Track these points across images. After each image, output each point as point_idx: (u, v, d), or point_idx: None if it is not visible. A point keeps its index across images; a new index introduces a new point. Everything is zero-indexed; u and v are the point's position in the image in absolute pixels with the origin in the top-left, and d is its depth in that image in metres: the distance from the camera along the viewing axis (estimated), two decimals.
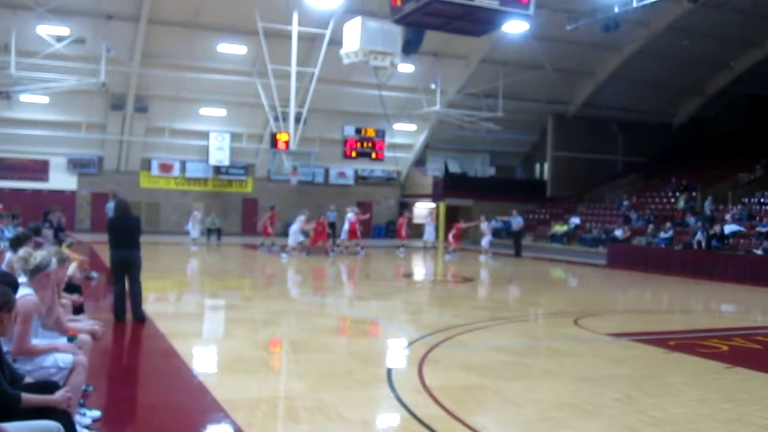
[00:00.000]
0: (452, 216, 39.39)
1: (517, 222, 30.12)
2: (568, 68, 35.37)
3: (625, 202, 34.88)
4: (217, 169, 38.85)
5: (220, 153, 37.79)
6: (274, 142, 30.44)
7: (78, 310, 8.17)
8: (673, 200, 33.56)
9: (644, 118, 40.31)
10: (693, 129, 41.73)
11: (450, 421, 6.22)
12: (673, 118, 42.07)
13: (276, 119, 30.46)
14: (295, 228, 25.76)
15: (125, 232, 11.09)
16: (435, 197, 40.67)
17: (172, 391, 7.33)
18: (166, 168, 38.36)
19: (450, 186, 40.48)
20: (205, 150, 37.77)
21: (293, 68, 28.39)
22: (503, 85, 34.00)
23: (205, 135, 37.49)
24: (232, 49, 32.51)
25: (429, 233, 30.43)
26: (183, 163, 38.64)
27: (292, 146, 29.78)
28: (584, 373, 8.46)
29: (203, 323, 12.32)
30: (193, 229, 28.68)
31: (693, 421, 6.58)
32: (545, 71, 33.86)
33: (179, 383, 7.63)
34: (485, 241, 27.97)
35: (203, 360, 9.07)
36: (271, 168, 38.26)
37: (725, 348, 10.31)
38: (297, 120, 29.55)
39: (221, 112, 36.92)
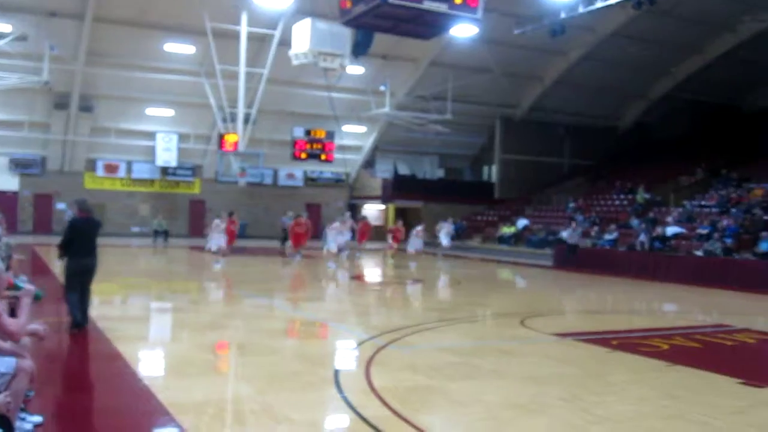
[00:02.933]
0: (402, 218, 39.63)
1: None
2: (516, 72, 35.81)
3: (572, 204, 35.41)
4: (164, 170, 38.39)
5: (167, 154, 37.35)
6: (221, 143, 30.16)
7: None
8: (617, 202, 34.19)
9: (590, 122, 41.02)
10: (637, 133, 42.57)
11: (397, 422, 6.24)
12: (618, 122, 42.87)
13: (224, 120, 30.20)
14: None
15: (91, 236, 10.42)
16: (384, 199, 40.79)
17: (117, 395, 7.22)
18: (111, 169, 37.77)
19: (399, 188, 40.63)
20: (152, 151, 37.28)
21: (242, 69, 28.18)
22: (452, 88, 34.23)
23: (152, 135, 37.02)
24: (179, 48, 32.15)
25: (416, 243, 29.02)
26: (129, 164, 38.09)
27: (241, 147, 29.54)
28: (530, 372, 8.57)
29: (149, 326, 12.16)
30: (216, 239, 25.38)
31: (635, 418, 6.72)
32: (494, 75, 34.20)
33: (124, 387, 7.52)
34: (446, 241, 28.14)
35: (149, 363, 8.95)
36: (219, 169, 37.96)
37: (666, 347, 10.54)
38: (246, 121, 29.34)
39: (169, 112, 36.48)
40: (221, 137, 30.15)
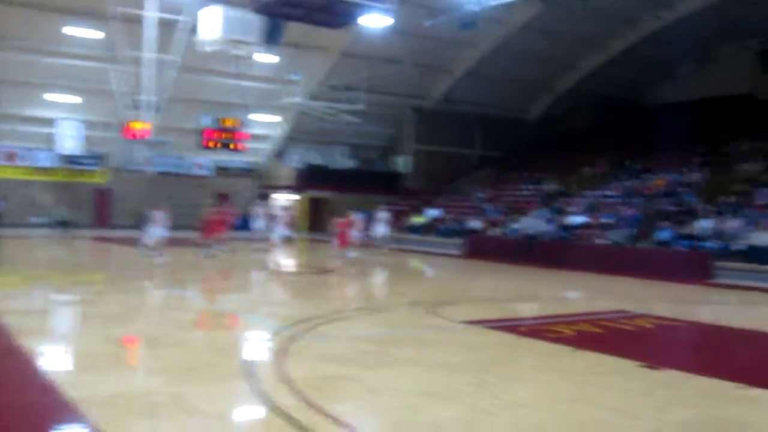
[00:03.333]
0: (315, 208, 39.56)
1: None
2: (427, 63, 36.14)
3: (481, 195, 36.04)
4: (67, 159, 37.15)
5: (71, 141, 36.14)
6: (125, 130, 29.37)
7: None
8: (525, 192, 34.99)
9: (499, 113, 41.74)
10: (544, 125, 43.56)
11: (310, 411, 6.27)
12: (526, 114, 43.77)
13: (131, 107, 29.41)
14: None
15: None
16: (296, 189, 40.60)
17: (20, 391, 7.00)
18: (10, 157, 36.33)
19: (311, 178, 40.51)
20: (55, 138, 36.04)
21: (149, 55, 27.52)
22: (364, 78, 34.28)
23: (54, 123, 35.76)
24: (84, 33, 31.10)
25: (381, 231, 27.23)
26: (29, 152, 36.71)
27: (149, 136, 28.87)
28: (442, 360, 8.73)
29: (54, 319, 11.81)
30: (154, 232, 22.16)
31: (542, 402, 6.94)
32: (405, 65, 34.40)
33: (26, 383, 7.30)
34: (382, 232, 27.15)
35: (53, 358, 8.70)
36: (126, 158, 36.99)
37: (571, 333, 10.90)
38: (153, 109, 28.66)
39: (73, 98, 35.30)
40: (126, 125, 29.37)
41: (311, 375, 7.66)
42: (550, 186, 33.30)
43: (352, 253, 23.31)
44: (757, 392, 7.52)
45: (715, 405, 7.07)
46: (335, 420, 6.07)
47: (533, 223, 26.26)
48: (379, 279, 19.35)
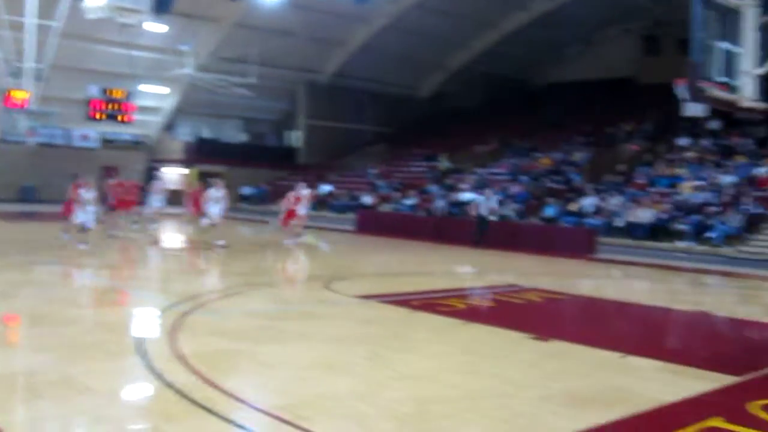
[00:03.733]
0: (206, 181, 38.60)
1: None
2: (321, 37, 35.92)
3: (373, 170, 36.23)
4: None
5: None
6: (6, 99, 27.96)
7: None
8: (417, 169, 35.39)
9: (392, 89, 41.96)
10: (436, 102, 44.09)
11: (204, 387, 6.19)
12: (418, 90, 44.16)
13: (11, 75, 27.98)
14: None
15: None
16: (186, 162, 39.71)
17: None
18: None
19: (202, 151, 39.69)
20: None
21: (31, 20, 26.20)
22: (257, 51, 33.75)
23: None
24: None
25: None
26: None
27: (31, 105, 27.56)
28: (336, 334, 8.76)
29: None
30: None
31: (435, 373, 7.08)
32: (299, 39, 34.08)
33: None
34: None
35: None
36: (5, 128, 35.18)
37: (463, 306, 11.15)
38: (35, 77, 27.36)
39: None
40: (6, 93, 27.95)
41: (204, 350, 7.54)
42: (443, 163, 33.78)
43: (301, 237, 21.01)
44: (637, 361, 7.90)
45: (600, 374, 7.38)
46: (229, 395, 6.01)
47: (484, 204, 22.97)
48: (272, 254, 19.21)
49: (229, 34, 34.38)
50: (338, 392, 6.29)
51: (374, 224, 27.51)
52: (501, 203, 25.41)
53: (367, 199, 31.51)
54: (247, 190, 37.82)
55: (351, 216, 29.84)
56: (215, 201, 20.15)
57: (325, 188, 35.18)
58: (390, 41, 36.44)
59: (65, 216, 18.31)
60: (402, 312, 10.44)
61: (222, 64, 35.00)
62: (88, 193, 17.57)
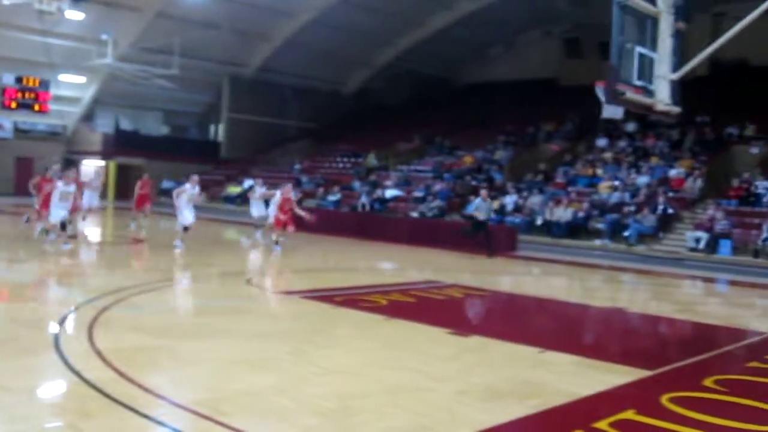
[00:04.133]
0: (125, 175, 37.88)
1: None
2: (246, 30, 35.53)
3: (297, 166, 36.07)
4: None
5: None
6: None
7: None
8: (341, 165, 35.41)
9: (317, 85, 41.80)
10: (360, 98, 44.13)
11: (122, 383, 6.07)
12: (343, 87, 44.12)
13: None
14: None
15: None
16: (105, 155, 38.74)
17: None
18: None
19: (121, 144, 38.73)
20: None
21: None
22: (179, 42, 33.17)
23: None
24: None
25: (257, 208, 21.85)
26: None
27: None
28: (258, 329, 8.71)
29: None
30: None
31: (357, 368, 7.10)
32: (223, 31, 33.65)
33: None
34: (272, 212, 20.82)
35: None
36: None
37: (385, 302, 11.20)
38: None
39: None
40: None
41: (123, 347, 7.39)
42: (370, 161, 33.84)
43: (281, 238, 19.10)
44: (554, 355, 8.09)
45: (518, 368, 7.53)
46: (149, 391, 5.91)
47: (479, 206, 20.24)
48: (194, 249, 18.92)
49: (151, 24, 33.66)
50: (260, 388, 6.25)
51: (297, 220, 27.32)
52: (422, 200, 25.61)
53: (292, 195, 31.30)
54: (168, 184, 37.13)
55: None
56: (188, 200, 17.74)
57: (249, 183, 34.84)
58: (316, 36, 36.28)
59: (40, 213, 17.14)
60: (325, 308, 10.44)
61: (143, 55, 34.27)
62: (68, 187, 16.06)
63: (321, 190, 31.08)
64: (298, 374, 6.79)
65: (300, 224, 19.41)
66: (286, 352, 7.54)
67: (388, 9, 34.45)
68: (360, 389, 6.37)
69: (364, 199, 28.01)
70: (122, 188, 38.00)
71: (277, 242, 18.57)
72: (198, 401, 5.71)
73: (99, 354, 6.95)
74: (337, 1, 33.23)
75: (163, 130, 43.32)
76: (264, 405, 5.81)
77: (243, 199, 33.72)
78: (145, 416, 5.32)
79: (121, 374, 6.30)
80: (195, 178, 18.14)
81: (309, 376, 6.72)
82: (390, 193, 28.45)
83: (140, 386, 6.00)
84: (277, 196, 19.39)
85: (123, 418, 5.28)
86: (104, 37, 32.69)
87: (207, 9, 31.48)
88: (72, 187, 16.21)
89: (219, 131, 42.92)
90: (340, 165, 35.70)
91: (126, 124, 41.18)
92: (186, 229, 17.63)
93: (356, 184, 30.83)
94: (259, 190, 21.69)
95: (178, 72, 33.75)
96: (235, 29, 34.27)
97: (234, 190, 34.55)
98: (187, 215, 17.53)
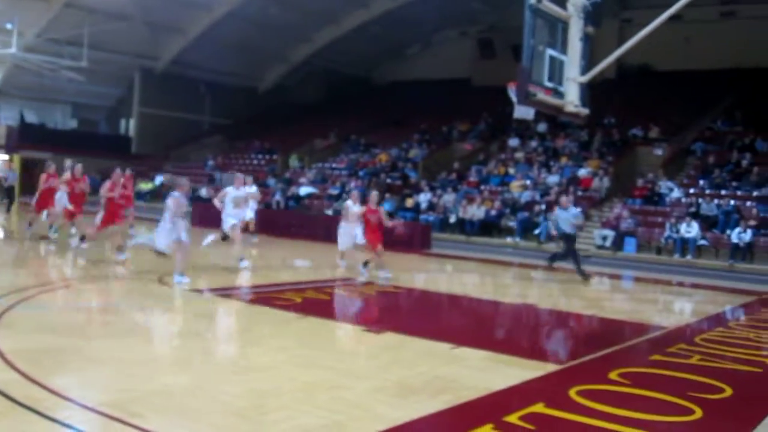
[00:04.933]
0: (30, 169, 36.51)
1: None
2: (159, 23, 34.78)
3: (211, 162, 35.56)
4: None
5: None
6: None
7: None
8: (256, 162, 35.08)
9: (232, 80, 41.23)
10: (276, 95, 43.76)
11: (27, 385, 5.88)
12: (258, 82, 43.64)
13: None
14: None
15: None
16: (8, 148, 37.31)
17: None
18: None
19: (26, 137, 37.36)
20: None
21: None
22: (89, 33, 32.22)
23: None
24: None
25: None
26: None
27: None
28: (170, 328, 8.58)
29: None
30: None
31: (273, 366, 7.07)
32: (135, 23, 32.86)
33: None
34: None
35: None
36: None
37: (300, 300, 11.17)
38: None
39: None
40: None
41: (27, 347, 7.16)
42: (293, 162, 33.60)
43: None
44: (467, 351, 8.22)
45: (431, 364, 7.62)
46: (55, 392, 5.74)
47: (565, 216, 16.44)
48: (101, 246, 18.42)
49: (59, 14, 32.55)
50: (172, 388, 6.15)
51: (212, 217, 26.94)
52: (337, 198, 25.57)
53: (204, 192, 30.87)
54: None
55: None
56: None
57: (159, 179, 34.18)
58: (231, 30, 35.73)
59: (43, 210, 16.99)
60: (239, 306, 10.36)
61: (50, 46, 33.18)
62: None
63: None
64: (212, 373, 6.71)
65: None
66: (200, 351, 7.45)
67: (304, 5, 34.27)
68: (275, 387, 6.34)
69: (278, 197, 27.82)
70: (27, 183, 36.63)
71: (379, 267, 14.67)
72: (107, 402, 5.58)
73: (1, 355, 6.71)
74: None
75: (72, 123, 42.05)
76: (176, 405, 5.72)
77: (153, 195, 33.11)
78: (51, 419, 5.16)
79: (25, 376, 6.10)
80: (240, 177, 16.05)
81: (223, 375, 6.66)
82: (305, 190, 28.35)
83: (45, 388, 5.82)
84: (355, 209, 15.22)
85: (27, 421, 5.11)
86: (8, 26, 31.48)
87: (118, 0, 30.69)
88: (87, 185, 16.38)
89: (130, 126, 41.89)
90: (255, 162, 35.36)
91: (32, 117, 39.80)
92: (224, 237, 16.66)
93: (271, 181, 30.59)
94: (354, 208, 15.48)
95: (87, 64, 32.80)
96: (148, 21, 33.53)
97: (145, 186, 33.76)
98: (229, 220, 15.31)
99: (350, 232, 15.41)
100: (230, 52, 37.95)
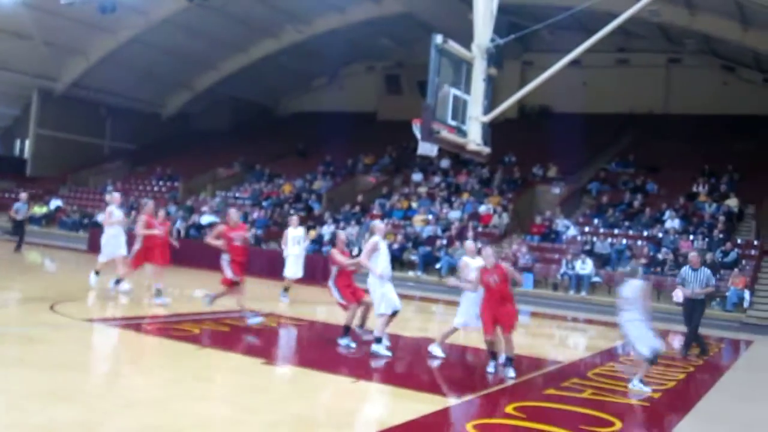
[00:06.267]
0: None
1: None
2: (60, 44, 33.83)
3: (110, 187, 34.65)
4: None
5: None
6: None
7: None
8: (156, 188, 34.40)
9: (135, 105, 40.34)
10: (180, 122, 43.09)
11: None
12: (162, 108, 42.86)
13: None
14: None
15: None
16: None
17: None
18: None
19: None
20: None
21: None
22: None
23: None
24: None
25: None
26: None
27: None
28: (60, 360, 8.24)
29: None
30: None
31: (166, 400, 6.89)
32: (34, 43, 31.89)
33: None
34: None
35: None
36: None
37: (198, 331, 10.96)
38: None
39: None
40: None
41: None
42: (182, 184, 33.08)
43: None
44: (368, 385, 8.23)
45: (331, 398, 7.59)
46: None
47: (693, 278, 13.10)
48: None
49: None
50: (60, 422, 5.91)
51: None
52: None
53: (101, 217, 30.00)
54: None
55: (83, 234, 28.27)
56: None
57: (54, 203, 33.08)
58: (136, 55, 35.07)
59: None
60: (135, 336, 10.07)
61: None
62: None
63: (133, 213, 29.96)
64: (102, 407, 6.49)
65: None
66: (90, 384, 7.20)
67: (211, 33, 34.01)
68: (169, 422, 6.18)
69: (179, 225, 27.31)
70: None
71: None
72: None
73: None
74: (159, 21, 32.37)
75: None
76: None
77: (48, 219, 31.98)
78: None
79: None
80: (294, 219, 17.07)
81: (114, 409, 6.45)
82: (206, 219, 27.92)
83: None
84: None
85: None
86: None
87: (17, 19, 29.72)
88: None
89: (25, 147, 40.40)
90: (156, 188, 34.65)
91: None
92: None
93: (171, 209, 30.01)
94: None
95: None
96: (48, 41, 32.58)
97: (40, 210, 32.58)
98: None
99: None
100: (134, 77, 37.26)
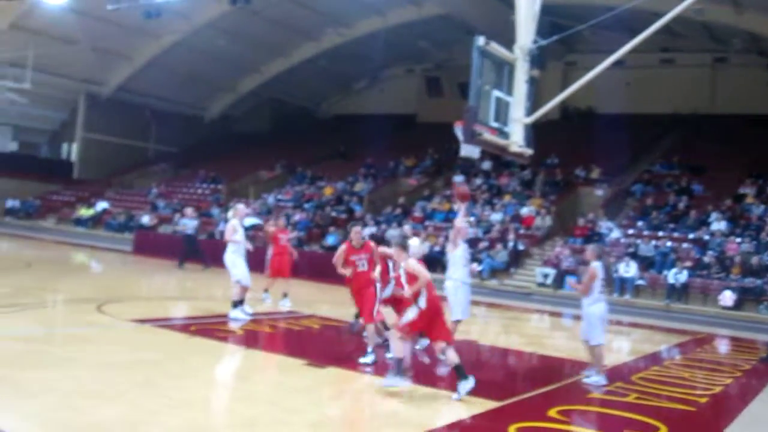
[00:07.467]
0: None
1: None
2: (106, 49, 34.41)
3: (154, 190, 35.15)
4: None
5: None
6: None
7: None
8: (200, 191, 34.77)
9: (178, 108, 40.91)
10: (222, 125, 43.56)
11: None
12: (204, 111, 43.38)
13: None
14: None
15: None
16: None
17: None
18: None
19: None
20: None
21: None
22: (33, 55, 31.71)
23: None
24: None
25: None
26: None
27: None
28: (107, 359, 8.39)
29: None
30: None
31: (212, 401, 6.98)
32: (81, 48, 32.47)
33: None
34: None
35: None
36: None
37: (241, 332, 11.06)
38: None
39: None
40: None
41: None
42: (225, 186, 33.41)
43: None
44: (407, 387, 8.23)
45: (374, 399, 7.61)
46: None
47: None
48: (40, 273, 18.03)
49: (3, 35, 31.98)
50: (108, 421, 6.02)
51: (152, 246, 26.59)
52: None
53: (146, 219, 30.47)
54: (11, 203, 35.26)
55: (129, 236, 28.71)
56: None
57: (101, 205, 33.64)
58: (180, 59, 35.59)
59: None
60: (179, 337, 10.19)
61: None
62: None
63: (177, 215, 30.37)
64: (148, 406, 6.59)
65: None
66: (136, 383, 7.30)
67: (253, 37, 34.35)
68: (213, 422, 6.27)
69: (222, 227, 27.56)
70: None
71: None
72: None
73: None
74: (202, 25, 32.77)
75: (12, 146, 41.17)
76: None
77: (95, 221, 32.53)
78: None
79: None
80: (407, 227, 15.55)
81: (160, 408, 6.54)
82: (249, 221, 28.13)
83: None
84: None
85: None
86: None
87: (66, 24, 30.30)
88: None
89: (72, 150, 41.17)
90: (199, 191, 35.05)
91: None
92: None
93: (215, 211, 30.34)
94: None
95: (31, 86, 32.26)
96: (95, 47, 33.15)
97: (86, 212, 33.19)
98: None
99: None
100: (177, 81, 37.77)
